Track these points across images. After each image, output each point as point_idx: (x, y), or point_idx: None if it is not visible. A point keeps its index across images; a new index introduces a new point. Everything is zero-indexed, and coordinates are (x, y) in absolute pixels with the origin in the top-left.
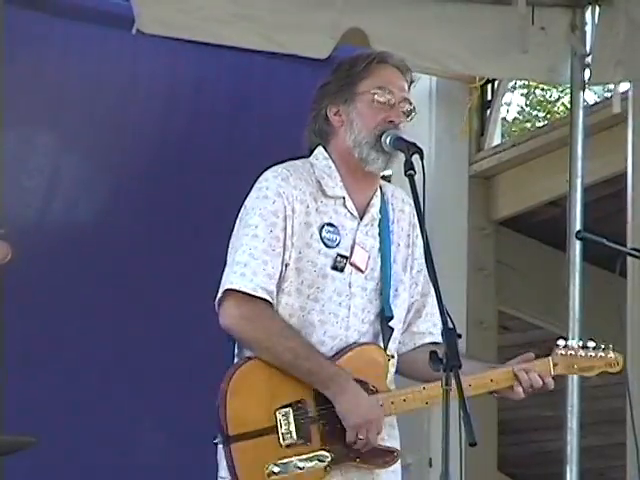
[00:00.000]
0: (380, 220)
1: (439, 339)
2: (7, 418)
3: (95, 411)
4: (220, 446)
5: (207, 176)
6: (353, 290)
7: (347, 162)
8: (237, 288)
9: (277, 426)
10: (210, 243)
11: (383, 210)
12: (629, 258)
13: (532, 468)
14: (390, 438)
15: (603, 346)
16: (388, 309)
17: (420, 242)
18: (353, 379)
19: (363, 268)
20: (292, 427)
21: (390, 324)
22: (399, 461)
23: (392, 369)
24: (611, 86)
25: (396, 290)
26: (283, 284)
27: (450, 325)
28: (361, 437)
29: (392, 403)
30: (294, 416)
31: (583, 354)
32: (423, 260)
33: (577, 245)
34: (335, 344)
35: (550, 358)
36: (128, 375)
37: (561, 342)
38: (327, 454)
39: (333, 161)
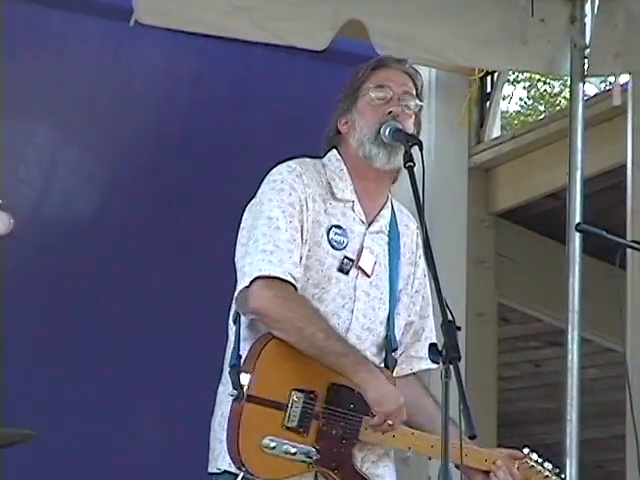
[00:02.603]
0: (390, 233)
1: (433, 365)
2: (6, 413)
3: (94, 405)
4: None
5: (205, 168)
6: (357, 294)
7: (356, 166)
8: (267, 274)
9: (288, 405)
10: (209, 234)
11: (392, 223)
12: (629, 250)
13: None
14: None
15: (558, 470)
16: (394, 340)
17: (422, 263)
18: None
19: (369, 272)
20: (298, 413)
21: (394, 355)
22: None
23: None
24: (611, 78)
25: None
26: None
27: (450, 317)
28: (390, 423)
29: (382, 433)
30: (303, 404)
31: (541, 471)
32: (423, 281)
33: (577, 237)
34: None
35: (516, 462)
36: (126, 368)
37: (526, 450)
38: (315, 453)
39: (345, 165)
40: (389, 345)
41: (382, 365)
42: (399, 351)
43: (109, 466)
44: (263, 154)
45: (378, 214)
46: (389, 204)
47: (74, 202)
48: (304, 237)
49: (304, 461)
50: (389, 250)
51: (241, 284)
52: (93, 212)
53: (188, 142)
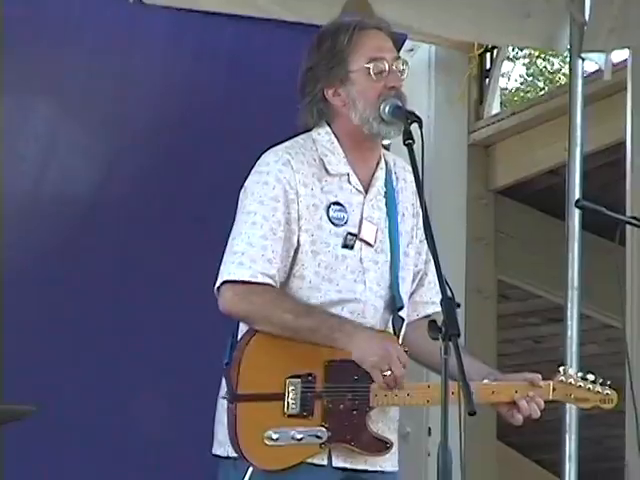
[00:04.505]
0: (386, 192)
1: (437, 309)
2: (5, 391)
3: (94, 383)
4: (224, 403)
5: (206, 145)
6: (365, 265)
7: (354, 138)
8: (235, 278)
9: (285, 394)
10: (208, 213)
11: (388, 181)
12: (628, 227)
13: (531, 436)
14: (390, 430)
15: (601, 381)
16: (399, 298)
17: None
18: (365, 327)
19: (372, 242)
20: (298, 398)
21: (400, 314)
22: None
23: None
24: (612, 56)
25: (401, 262)
26: (294, 268)
27: (449, 294)
28: (386, 374)
29: (396, 395)
30: (302, 388)
31: (581, 385)
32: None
33: (576, 214)
34: (353, 319)
35: (551, 383)
36: (127, 345)
37: (562, 369)
38: (325, 431)
39: (337, 138)
40: (394, 305)
41: (390, 326)
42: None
43: (109, 444)
44: (265, 131)
45: (373, 177)
46: (382, 164)
47: (73, 178)
48: (294, 227)
49: (315, 442)
50: (387, 211)
51: (216, 284)
52: (92, 189)
53: (189, 119)
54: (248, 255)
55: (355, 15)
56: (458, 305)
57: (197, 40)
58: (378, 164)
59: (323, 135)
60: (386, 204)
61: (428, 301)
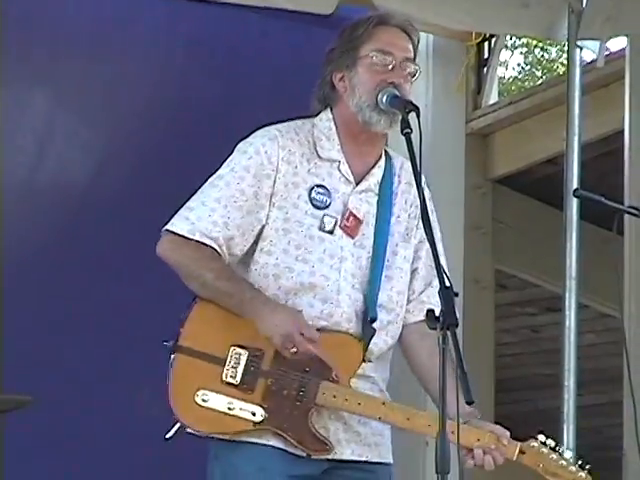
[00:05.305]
0: (380, 191)
1: None
2: (5, 382)
3: (95, 378)
4: None
5: (202, 136)
6: (344, 254)
7: (350, 127)
8: (173, 230)
9: (226, 360)
10: None
11: (387, 181)
12: (626, 216)
13: (529, 426)
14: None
15: (580, 462)
16: (372, 310)
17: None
18: (275, 303)
19: (353, 234)
20: (240, 369)
21: (373, 325)
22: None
23: (369, 371)
24: (609, 44)
25: (388, 260)
26: (261, 243)
27: (447, 284)
28: (293, 350)
29: (346, 400)
30: (247, 360)
31: (555, 458)
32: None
33: (574, 203)
34: (325, 307)
35: (519, 445)
36: (126, 336)
37: (541, 437)
38: (262, 412)
39: (336, 125)
40: (366, 312)
41: (359, 332)
42: (412, 297)
43: (109, 442)
44: (260, 119)
45: (368, 173)
46: (382, 163)
47: (69, 169)
48: (263, 202)
49: (249, 419)
50: (377, 209)
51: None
52: (88, 179)
53: (185, 108)
54: (196, 212)
55: (381, 10)
56: (456, 294)
57: (193, 29)
58: (377, 162)
59: (324, 121)
60: (378, 202)
61: (435, 304)
